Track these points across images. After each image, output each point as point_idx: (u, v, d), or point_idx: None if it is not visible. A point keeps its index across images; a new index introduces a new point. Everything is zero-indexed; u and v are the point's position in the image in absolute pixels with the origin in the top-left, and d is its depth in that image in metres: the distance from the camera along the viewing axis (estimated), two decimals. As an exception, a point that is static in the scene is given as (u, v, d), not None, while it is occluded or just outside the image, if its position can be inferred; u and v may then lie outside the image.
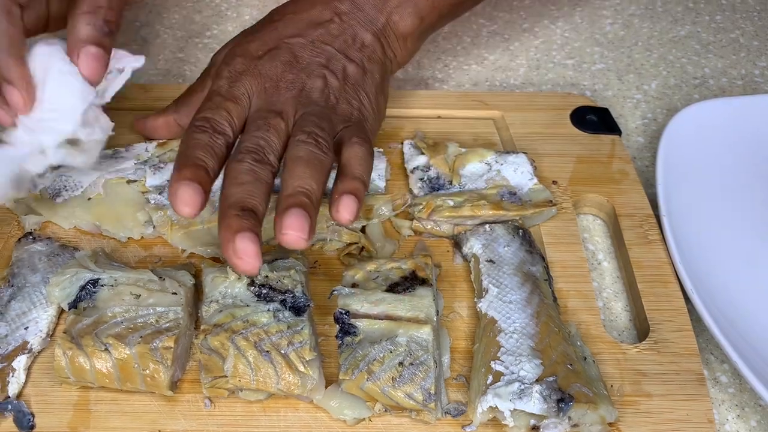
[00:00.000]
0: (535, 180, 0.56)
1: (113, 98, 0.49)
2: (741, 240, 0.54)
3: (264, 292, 0.46)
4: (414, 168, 0.57)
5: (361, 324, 0.45)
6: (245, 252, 0.40)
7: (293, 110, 0.48)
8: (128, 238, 0.54)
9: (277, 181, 0.45)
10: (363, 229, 0.54)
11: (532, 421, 0.43)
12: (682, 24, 0.79)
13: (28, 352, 0.46)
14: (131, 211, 0.53)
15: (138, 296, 0.46)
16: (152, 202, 0.53)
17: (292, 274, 0.47)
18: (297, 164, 0.43)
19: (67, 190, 0.54)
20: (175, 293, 0.47)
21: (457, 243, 0.54)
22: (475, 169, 0.57)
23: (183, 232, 0.52)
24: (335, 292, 0.47)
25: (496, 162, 0.57)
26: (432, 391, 0.42)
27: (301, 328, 0.45)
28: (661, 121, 0.68)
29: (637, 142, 0.66)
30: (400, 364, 0.43)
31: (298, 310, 0.45)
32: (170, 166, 0.56)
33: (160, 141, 0.58)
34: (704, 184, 0.58)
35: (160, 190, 0.54)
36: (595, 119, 0.63)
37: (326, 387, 0.45)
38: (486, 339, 0.46)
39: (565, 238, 0.54)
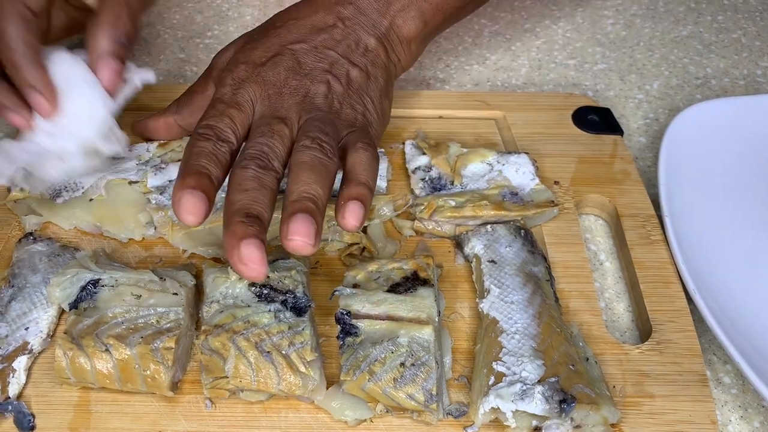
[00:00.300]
0: (537, 180, 0.56)
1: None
2: (743, 240, 0.54)
3: (265, 292, 0.46)
4: (415, 168, 0.57)
5: (362, 324, 0.45)
6: (250, 258, 0.39)
7: (297, 116, 0.48)
8: (129, 238, 0.54)
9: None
10: (364, 230, 0.54)
11: (534, 422, 0.43)
12: (684, 24, 0.79)
13: (28, 353, 0.46)
14: (133, 212, 0.53)
15: (139, 297, 0.46)
16: (153, 202, 0.53)
17: (293, 274, 0.47)
18: (302, 170, 0.43)
19: (67, 191, 0.54)
20: (176, 294, 0.46)
21: (458, 243, 0.54)
22: (477, 169, 0.57)
23: (184, 232, 0.52)
24: (336, 292, 0.47)
25: (498, 162, 0.57)
26: (433, 392, 0.42)
27: (303, 329, 0.44)
28: (663, 122, 0.68)
29: (639, 143, 0.66)
30: (402, 364, 0.43)
31: (299, 311, 0.45)
32: (171, 167, 0.56)
33: (161, 141, 0.58)
34: (706, 185, 0.58)
35: (161, 190, 0.54)
36: (596, 119, 0.63)
37: (327, 388, 0.44)
38: (488, 340, 0.46)
39: (567, 238, 0.54)
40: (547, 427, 0.42)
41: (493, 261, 0.51)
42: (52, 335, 0.48)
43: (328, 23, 0.54)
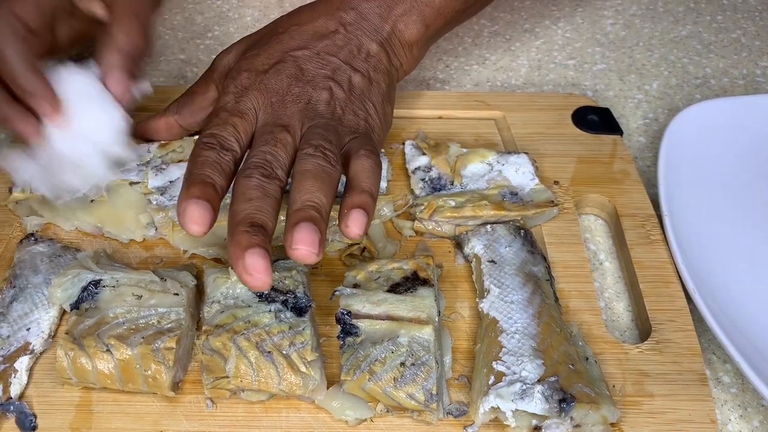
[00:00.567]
0: (537, 180, 0.56)
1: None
2: (743, 240, 0.54)
3: (266, 292, 0.46)
4: (415, 168, 0.57)
5: (362, 324, 0.45)
6: (255, 268, 0.39)
7: (300, 124, 0.48)
8: (130, 239, 0.54)
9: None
10: (364, 230, 0.54)
11: (534, 422, 0.43)
12: (684, 24, 0.79)
13: (30, 353, 0.46)
14: (133, 213, 0.53)
15: (140, 297, 0.46)
16: (154, 203, 0.53)
17: (293, 274, 0.47)
18: (305, 178, 0.43)
19: (68, 192, 0.54)
20: (177, 294, 0.47)
21: (458, 243, 0.54)
22: (477, 169, 0.57)
23: (184, 233, 0.52)
24: (337, 292, 0.47)
25: (498, 162, 0.57)
26: (433, 392, 0.42)
27: (303, 329, 0.45)
28: (662, 121, 0.68)
29: (638, 142, 0.66)
30: (402, 364, 0.43)
31: (299, 311, 0.46)
32: (172, 167, 0.56)
33: (162, 142, 0.58)
34: (706, 184, 0.58)
35: (162, 191, 0.54)
36: (596, 119, 0.63)
37: (328, 387, 0.45)
38: (488, 339, 0.46)
39: (566, 238, 0.54)
40: (546, 427, 0.42)
41: (492, 261, 0.51)
42: (53, 336, 0.48)
43: (330, 29, 0.54)
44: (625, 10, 0.81)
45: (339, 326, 0.45)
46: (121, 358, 0.43)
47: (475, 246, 0.52)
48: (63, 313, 0.49)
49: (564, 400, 0.42)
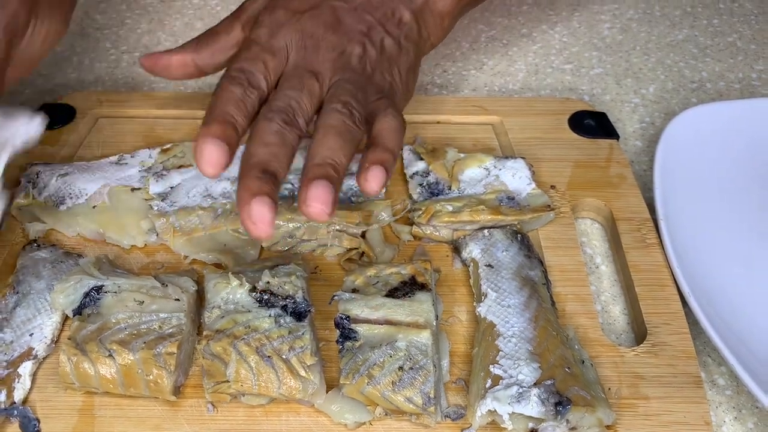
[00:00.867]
0: (534, 185, 0.56)
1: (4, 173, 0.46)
2: (738, 243, 0.55)
3: (265, 297, 0.46)
4: (413, 173, 0.58)
5: (361, 329, 0.45)
6: (260, 217, 0.39)
7: (330, 73, 0.47)
8: (131, 245, 0.54)
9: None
10: (363, 235, 0.54)
11: (531, 425, 0.43)
12: (680, 28, 0.80)
13: (33, 358, 0.47)
14: (135, 219, 0.54)
15: (141, 302, 0.47)
16: (155, 209, 0.54)
17: (293, 279, 0.48)
18: (329, 133, 0.43)
19: (71, 198, 0.55)
20: (178, 299, 0.47)
21: (456, 248, 0.54)
22: (474, 174, 0.57)
23: (185, 238, 0.53)
24: (336, 297, 0.47)
25: (495, 167, 0.57)
26: (431, 395, 0.43)
27: (302, 333, 0.45)
28: (658, 125, 0.68)
29: (634, 146, 0.66)
30: (400, 368, 0.43)
31: (299, 316, 0.46)
32: (173, 173, 0.56)
33: (164, 147, 0.59)
34: (702, 188, 0.58)
35: (163, 197, 0.55)
36: (593, 124, 0.63)
37: (327, 391, 0.45)
38: (485, 343, 0.47)
39: (563, 242, 0.55)
40: (543, 430, 0.43)
41: (490, 265, 0.51)
42: (56, 341, 0.48)
43: None
44: (621, 15, 0.81)
45: (338, 330, 0.46)
46: (123, 363, 0.44)
47: (473, 250, 0.53)
48: (65, 318, 0.49)
49: (560, 403, 0.42)
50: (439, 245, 0.55)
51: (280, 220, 0.53)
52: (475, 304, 0.50)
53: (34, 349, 0.47)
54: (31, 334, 0.48)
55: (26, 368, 0.46)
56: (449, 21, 0.56)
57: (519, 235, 0.53)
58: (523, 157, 0.58)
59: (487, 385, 0.44)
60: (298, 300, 0.47)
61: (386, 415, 0.44)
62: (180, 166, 0.58)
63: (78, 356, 0.44)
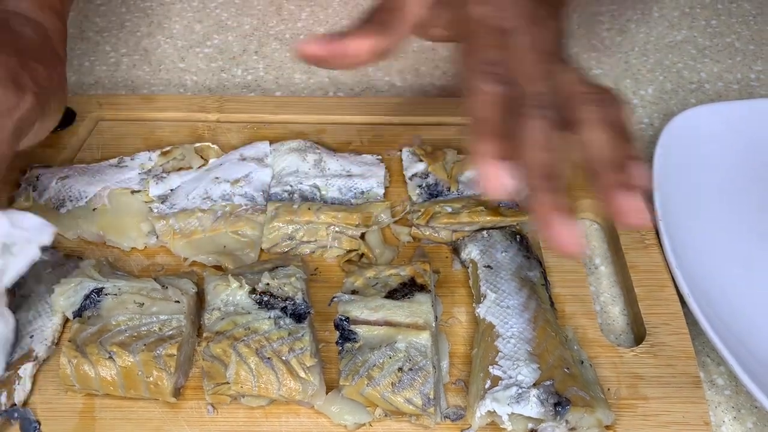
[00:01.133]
0: (533, 186, 0.56)
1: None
2: (736, 243, 0.55)
3: (265, 299, 0.47)
4: (413, 175, 0.58)
5: (360, 330, 0.46)
6: (571, 237, 0.36)
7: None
8: (131, 247, 0.55)
9: None
10: (362, 236, 0.54)
11: (530, 425, 0.43)
12: (679, 29, 0.80)
13: (33, 360, 0.47)
14: (135, 222, 0.54)
15: (141, 305, 0.47)
16: (155, 211, 0.54)
17: (292, 281, 0.48)
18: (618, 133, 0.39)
19: (71, 201, 0.55)
20: (178, 301, 0.47)
21: (455, 249, 0.55)
22: (473, 175, 0.57)
23: (185, 240, 0.53)
24: (335, 298, 0.47)
25: (494, 168, 0.57)
26: (431, 396, 0.43)
27: (302, 335, 0.45)
28: (657, 126, 0.68)
29: (633, 147, 0.66)
30: (400, 369, 0.44)
31: (298, 317, 0.46)
32: (173, 176, 0.56)
33: (164, 150, 0.59)
34: (700, 189, 0.58)
35: (162, 199, 0.55)
36: (591, 125, 0.63)
37: (327, 393, 0.45)
38: (484, 344, 0.47)
39: (562, 243, 0.55)
40: (542, 430, 0.43)
41: (489, 266, 0.51)
42: (56, 343, 0.49)
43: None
44: (620, 16, 0.81)
45: (337, 332, 0.46)
46: (123, 365, 0.44)
47: (472, 251, 0.53)
48: (66, 320, 0.49)
49: (559, 404, 0.42)
50: (439, 246, 0.55)
51: (279, 222, 0.53)
52: (474, 305, 0.50)
53: (34, 351, 0.47)
54: (31, 336, 0.48)
55: (27, 370, 0.46)
56: None
57: (518, 236, 0.53)
58: (522, 159, 0.58)
59: (487, 386, 0.44)
60: (297, 301, 0.47)
61: (386, 416, 0.44)
62: (179, 169, 0.58)
63: (78, 358, 0.44)
